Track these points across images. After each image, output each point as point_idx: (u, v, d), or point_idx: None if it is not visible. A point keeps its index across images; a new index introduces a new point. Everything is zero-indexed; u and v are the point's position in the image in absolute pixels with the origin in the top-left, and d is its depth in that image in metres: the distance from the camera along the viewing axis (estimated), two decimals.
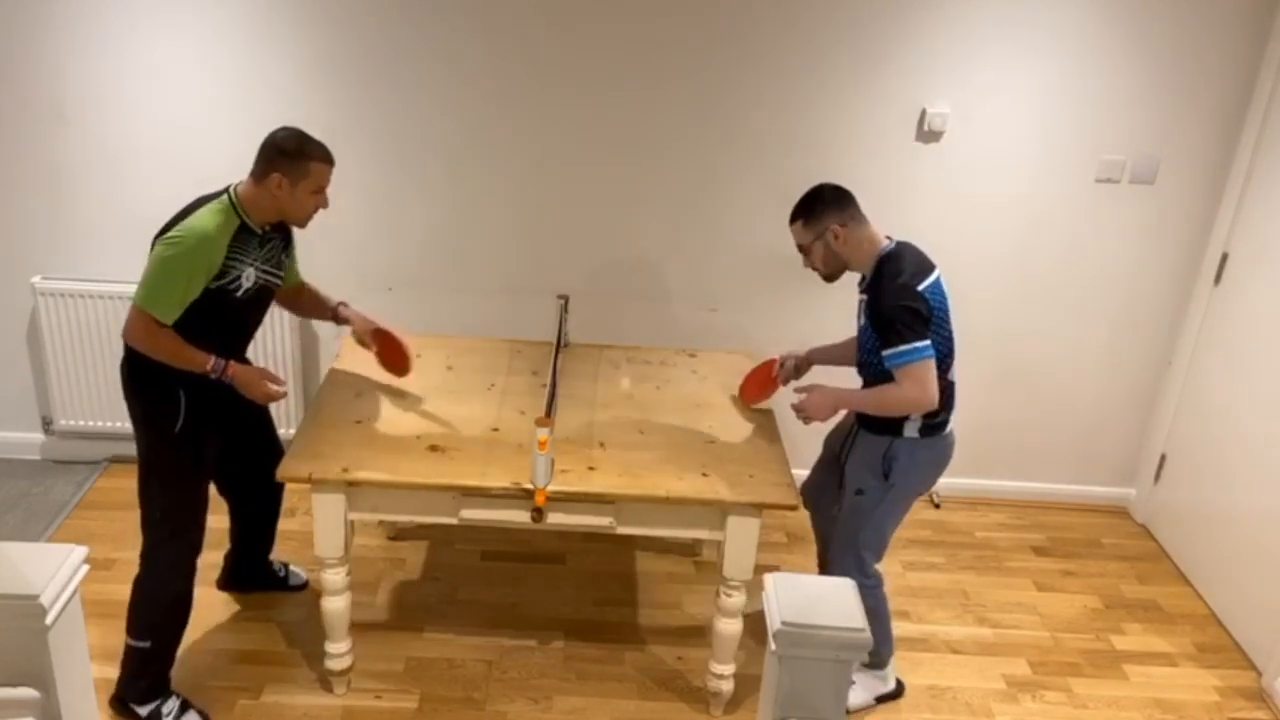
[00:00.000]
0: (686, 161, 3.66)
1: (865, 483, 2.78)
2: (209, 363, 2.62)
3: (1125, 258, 3.82)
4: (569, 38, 3.49)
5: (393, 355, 3.09)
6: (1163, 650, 3.39)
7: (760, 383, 3.14)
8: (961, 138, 3.63)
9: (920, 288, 2.59)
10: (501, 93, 3.56)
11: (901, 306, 2.56)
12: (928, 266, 2.66)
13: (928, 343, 2.57)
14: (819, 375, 3.00)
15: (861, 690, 3.03)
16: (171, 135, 3.57)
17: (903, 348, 2.56)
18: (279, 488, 3.14)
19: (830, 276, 2.79)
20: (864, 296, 2.73)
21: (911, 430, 2.71)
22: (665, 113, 3.60)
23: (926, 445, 2.74)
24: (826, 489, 3.02)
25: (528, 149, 3.65)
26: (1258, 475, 3.40)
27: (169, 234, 2.52)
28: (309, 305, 3.10)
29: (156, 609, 2.76)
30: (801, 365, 3.09)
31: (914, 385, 2.57)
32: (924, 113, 3.59)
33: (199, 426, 2.68)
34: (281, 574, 3.36)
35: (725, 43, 3.50)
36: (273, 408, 2.95)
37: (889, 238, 2.71)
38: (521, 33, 3.48)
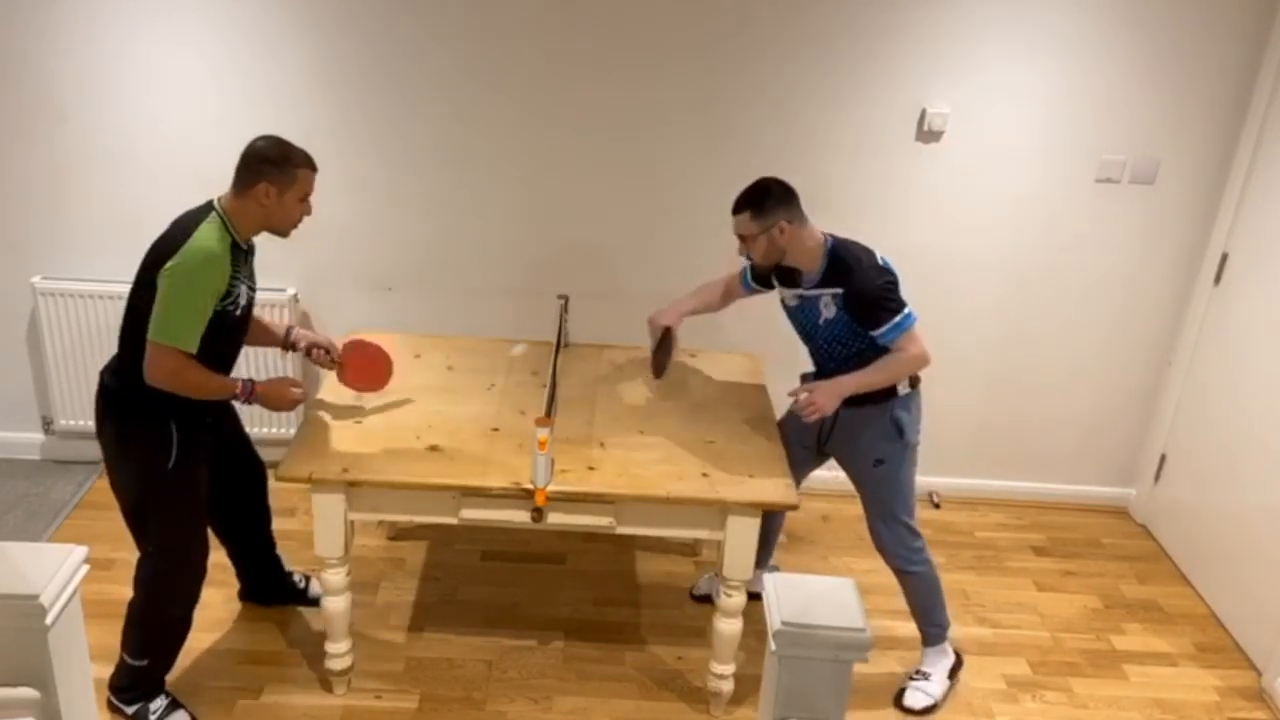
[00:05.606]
0: (687, 162, 3.66)
1: (882, 451, 2.87)
2: (237, 386, 2.59)
3: (1125, 258, 3.82)
4: (570, 38, 3.49)
5: (367, 368, 2.97)
6: (1163, 650, 3.39)
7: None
8: (961, 138, 3.63)
9: (881, 263, 2.75)
10: (502, 93, 3.56)
11: (882, 285, 2.71)
12: (865, 245, 2.81)
13: (909, 307, 2.73)
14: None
15: (939, 679, 3.06)
16: (171, 135, 3.57)
17: (895, 320, 2.71)
18: (264, 495, 3.07)
19: (762, 267, 2.92)
20: (819, 292, 2.80)
21: (904, 387, 2.84)
22: (665, 113, 3.60)
23: (915, 394, 2.89)
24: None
25: (528, 149, 3.65)
26: (1258, 475, 3.40)
27: (176, 261, 2.41)
28: (255, 332, 2.88)
29: (156, 632, 2.72)
30: (674, 328, 3.13)
31: (915, 345, 2.73)
32: (924, 113, 3.59)
33: (191, 456, 2.61)
34: (302, 585, 3.29)
35: (725, 43, 3.50)
36: None
37: (823, 233, 2.82)
38: (523, 33, 3.48)
